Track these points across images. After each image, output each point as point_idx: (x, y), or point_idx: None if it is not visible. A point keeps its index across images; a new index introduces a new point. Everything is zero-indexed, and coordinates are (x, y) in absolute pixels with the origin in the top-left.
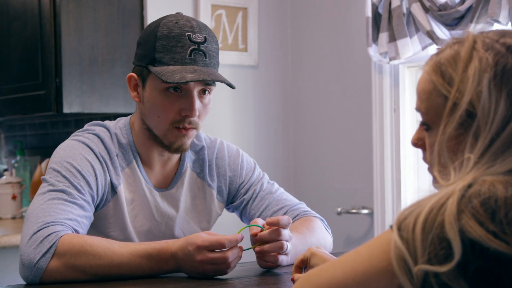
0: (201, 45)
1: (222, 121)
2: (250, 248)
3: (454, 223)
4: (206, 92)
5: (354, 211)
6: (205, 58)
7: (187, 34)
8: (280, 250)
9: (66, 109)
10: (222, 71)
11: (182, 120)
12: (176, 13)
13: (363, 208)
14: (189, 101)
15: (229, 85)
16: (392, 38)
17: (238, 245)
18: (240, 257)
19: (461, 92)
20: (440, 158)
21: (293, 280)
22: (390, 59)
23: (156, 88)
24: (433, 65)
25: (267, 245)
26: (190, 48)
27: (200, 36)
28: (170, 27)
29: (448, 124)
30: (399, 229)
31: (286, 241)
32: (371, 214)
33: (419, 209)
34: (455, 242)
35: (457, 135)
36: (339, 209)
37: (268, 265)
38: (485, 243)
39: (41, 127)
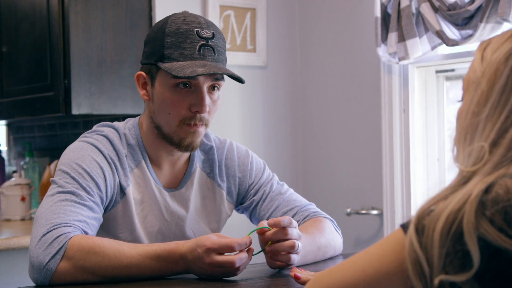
0: (209, 41)
1: (231, 122)
2: (260, 251)
3: (473, 232)
4: (216, 88)
5: (363, 211)
6: (214, 53)
7: (195, 30)
8: (292, 249)
9: (74, 111)
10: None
11: (193, 117)
12: (182, 11)
13: (373, 208)
14: (199, 96)
15: (239, 79)
16: (401, 38)
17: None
18: (249, 260)
19: (486, 68)
20: (461, 132)
21: (296, 277)
22: (399, 59)
23: (166, 85)
24: (479, 45)
25: (277, 244)
26: (199, 44)
27: (208, 32)
28: (178, 23)
29: (473, 98)
30: (417, 232)
31: (296, 239)
32: (380, 215)
33: (437, 212)
34: (474, 252)
35: (477, 112)
36: (348, 210)
37: (279, 265)
38: (505, 249)
39: (50, 128)
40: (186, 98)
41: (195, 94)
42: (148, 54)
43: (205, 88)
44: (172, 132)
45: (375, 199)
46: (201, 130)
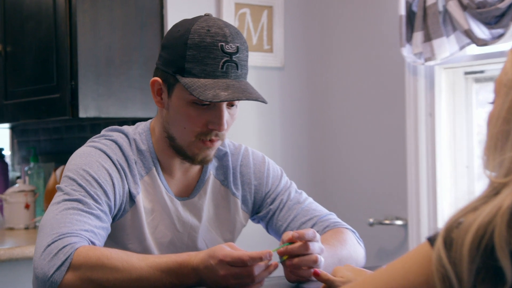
0: (233, 56)
1: (246, 127)
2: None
3: (505, 247)
4: (235, 105)
5: (387, 222)
6: (237, 69)
7: (219, 44)
8: (314, 264)
9: (81, 113)
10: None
11: (209, 133)
12: (205, 16)
13: (397, 219)
14: (217, 114)
15: (263, 102)
16: (427, 38)
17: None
18: (269, 272)
19: None
20: (491, 139)
21: (315, 273)
22: (425, 60)
23: (183, 99)
24: None
25: (298, 259)
26: (223, 60)
27: (233, 46)
28: (202, 35)
29: (504, 103)
30: (445, 246)
31: (319, 254)
32: (405, 225)
33: (466, 225)
34: (507, 268)
35: (508, 119)
36: (371, 220)
37: (298, 279)
38: None
39: (56, 132)
40: (203, 114)
41: (213, 111)
42: (166, 61)
43: (224, 106)
44: (186, 146)
45: (400, 209)
46: (216, 145)
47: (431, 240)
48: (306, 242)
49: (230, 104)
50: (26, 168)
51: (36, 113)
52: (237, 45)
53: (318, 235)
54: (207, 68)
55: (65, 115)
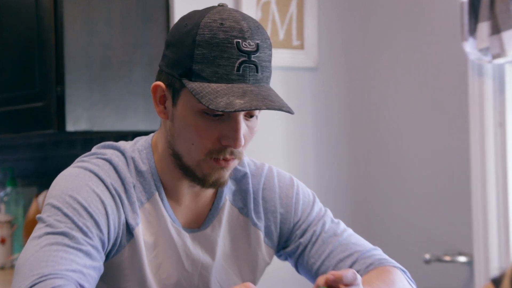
0: (252, 56)
1: (271, 141)
2: None
3: None
4: (254, 115)
5: (447, 258)
6: (257, 72)
7: (235, 41)
8: None
9: (70, 126)
10: (272, 75)
11: (222, 150)
12: (219, 6)
13: (460, 254)
14: (232, 127)
15: (288, 112)
16: (496, 30)
17: None
18: None
19: None
20: None
21: None
22: (494, 57)
23: (191, 108)
24: None
25: None
26: (239, 61)
27: (252, 43)
28: (214, 30)
29: None
30: None
31: None
32: (470, 263)
33: None
34: None
35: None
36: (427, 256)
37: None
38: None
39: (39, 149)
40: (215, 127)
41: (228, 123)
42: (171, 61)
43: (241, 117)
44: (195, 166)
45: (463, 242)
46: (232, 164)
47: (496, 282)
48: (347, 285)
49: (249, 115)
50: (1, 194)
51: (14, 126)
52: (257, 42)
53: (359, 277)
54: (220, 70)
55: (50, 128)
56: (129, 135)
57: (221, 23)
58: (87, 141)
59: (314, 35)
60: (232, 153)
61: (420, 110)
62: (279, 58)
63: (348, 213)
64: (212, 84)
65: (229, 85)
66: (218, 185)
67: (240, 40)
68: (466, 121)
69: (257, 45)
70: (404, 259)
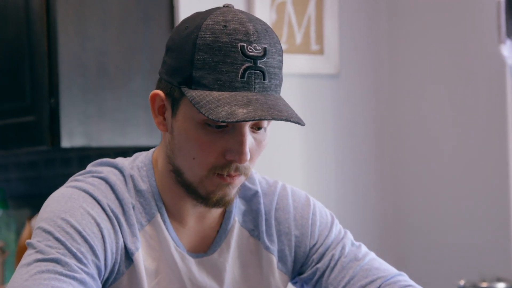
0: (258, 61)
1: (287, 155)
2: None
3: None
4: (262, 127)
5: (484, 285)
6: (264, 79)
7: (239, 45)
8: None
9: (65, 142)
10: (287, 82)
11: (226, 166)
12: (224, 6)
13: (499, 280)
14: (237, 140)
15: (297, 123)
16: None
17: None
18: None
19: None
20: None
21: None
22: None
23: (192, 119)
24: None
25: None
26: (243, 67)
27: (258, 48)
28: (216, 32)
29: None
30: None
31: None
32: None
33: None
34: None
35: None
36: (462, 283)
37: None
38: None
39: (31, 167)
40: (219, 140)
41: (232, 135)
42: (170, 68)
43: (247, 129)
44: (197, 183)
45: (502, 268)
46: (238, 181)
47: None
48: None
49: (256, 127)
50: None
51: (3, 143)
52: (264, 46)
53: None
54: (222, 77)
55: (43, 144)
56: (130, 151)
57: (225, 25)
58: (83, 158)
59: (335, 39)
60: (237, 169)
61: (454, 120)
62: (296, 64)
63: (374, 236)
64: (214, 92)
65: (232, 93)
66: (222, 204)
67: (245, 44)
68: (504, 131)
69: (264, 49)
70: (436, 286)
